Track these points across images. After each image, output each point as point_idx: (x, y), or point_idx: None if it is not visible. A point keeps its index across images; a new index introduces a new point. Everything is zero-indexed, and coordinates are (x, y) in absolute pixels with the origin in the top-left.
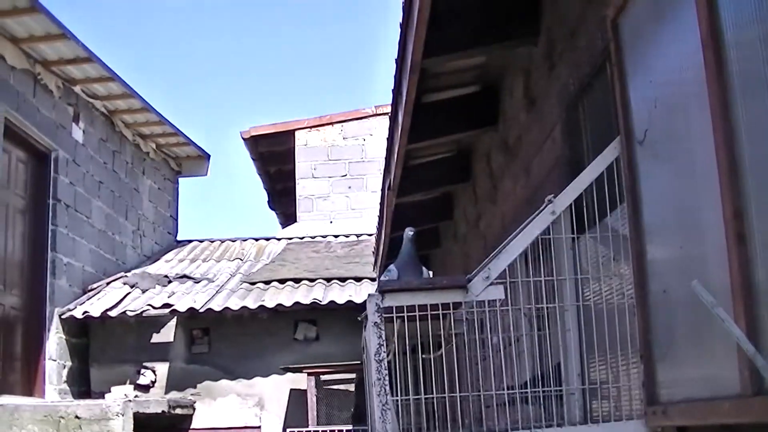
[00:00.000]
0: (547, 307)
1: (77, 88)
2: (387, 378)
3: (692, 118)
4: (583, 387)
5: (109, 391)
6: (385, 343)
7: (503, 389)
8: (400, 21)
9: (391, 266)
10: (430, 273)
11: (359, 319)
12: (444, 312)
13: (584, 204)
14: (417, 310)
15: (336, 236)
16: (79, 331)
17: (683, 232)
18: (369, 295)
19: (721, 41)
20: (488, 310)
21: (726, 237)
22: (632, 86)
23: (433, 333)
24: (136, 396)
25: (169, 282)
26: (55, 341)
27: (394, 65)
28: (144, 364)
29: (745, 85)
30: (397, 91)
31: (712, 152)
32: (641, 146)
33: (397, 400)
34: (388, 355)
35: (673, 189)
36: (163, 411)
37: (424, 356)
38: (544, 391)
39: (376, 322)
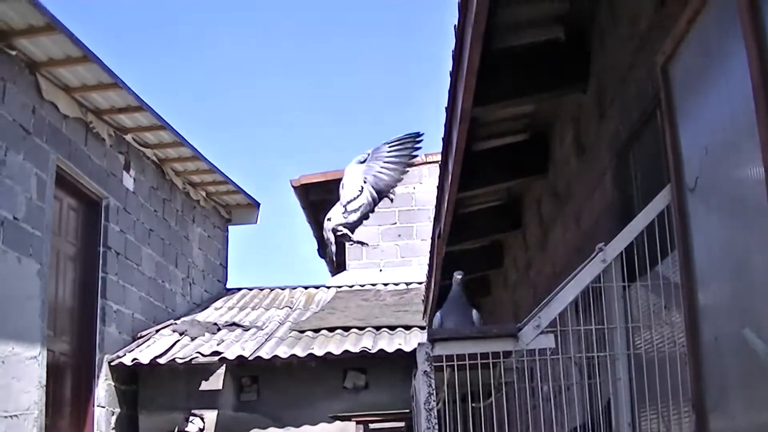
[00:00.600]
0: (598, 356)
1: (128, 137)
2: (437, 427)
3: (743, 165)
4: None
5: None
6: (435, 391)
7: None
8: (450, 70)
9: (438, 313)
10: (475, 314)
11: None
12: (494, 361)
13: (635, 252)
14: (467, 359)
15: (385, 284)
16: (128, 378)
17: (735, 279)
18: (419, 344)
19: None
20: (539, 359)
21: None
22: (683, 133)
23: (483, 381)
24: None
25: (219, 330)
26: (104, 388)
27: (444, 114)
28: (193, 411)
29: None
30: (447, 140)
31: (764, 199)
32: (692, 193)
33: None
34: (438, 404)
35: (724, 236)
36: None
37: (474, 405)
38: None
39: (426, 371)
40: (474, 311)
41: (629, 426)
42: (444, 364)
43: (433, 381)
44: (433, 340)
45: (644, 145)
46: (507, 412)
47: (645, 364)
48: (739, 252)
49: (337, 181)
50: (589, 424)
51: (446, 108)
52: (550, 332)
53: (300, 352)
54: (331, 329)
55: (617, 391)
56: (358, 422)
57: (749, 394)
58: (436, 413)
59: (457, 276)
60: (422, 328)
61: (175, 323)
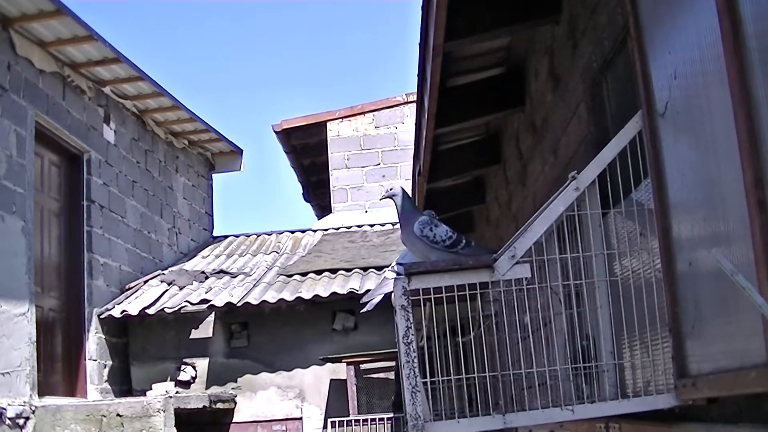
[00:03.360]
0: (576, 285)
1: (107, 89)
2: (416, 360)
3: (711, 89)
4: (615, 363)
5: (150, 389)
6: (412, 325)
7: (534, 369)
8: (422, 4)
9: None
10: (418, 224)
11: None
12: (472, 293)
13: (608, 179)
14: (444, 291)
15: (371, 225)
16: (119, 330)
17: (706, 203)
18: (395, 278)
19: (737, 15)
20: (515, 289)
21: (747, 205)
22: (652, 60)
23: (463, 315)
24: (177, 392)
25: (206, 278)
26: (94, 341)
27: (418, 49)
28: (184, 360)
29: (762, 58)
30: (421, 76)
31: (732, 122)
32: (663, 119)
33: (426, 383)
34: (420, 340)
35: (695, 160)
36: (204, 406)
37: (456, 339)
38: (575, 368)
39: (403, 305)
40: (420, 218)
41: (611, 353)
42: (421, 297)
43: (410, 315)
44: (409, 273)
45: (617, 74)
46: (492, 345)
47: (624, 292)
48: (710, 175)
49: (318, 125)
50: (571, 354)
51: (419, 44)
52: (525, 262)
53: (288, 296)
54: (319, 272)
55: (598, 319)
56: (348, 363)
57: (723, 316)
58: (415, 347)
59: (385, 195)
60: None
61: (163, 273)
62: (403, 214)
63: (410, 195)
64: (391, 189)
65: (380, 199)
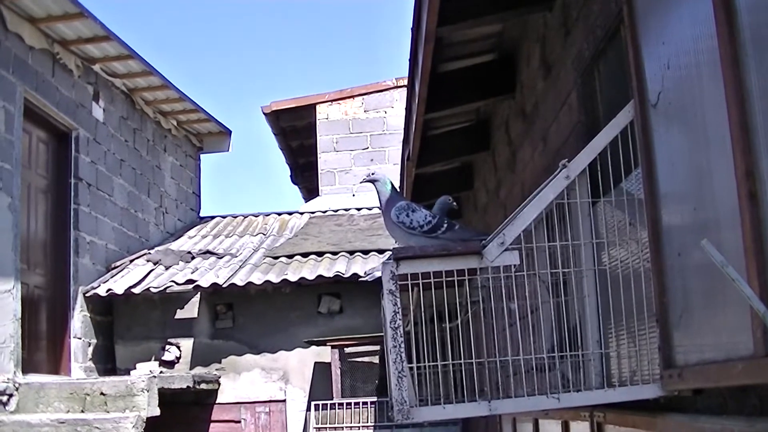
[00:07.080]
0: (564, 273)
1: (96, 67)
2: (403, 345)
3: (704, 80)
4: (601, 352)
5: (135, 368)
6: (400, 310)
7: (521, 357)
8: None
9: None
10: (394, 211)
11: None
12: (460, 279)
13: (599, 168)
14: (432, 277)
15: (359, 209)
16: (104, 308)
17: (697, 194)
18: (383, 263)
19: (733, 6)
20: (503, 276)
21: (738, 197)
22: (645, 49)
23: (452, 300)
24: (161, 372)
25: (192, 258)
26: (79, 319)
27: (410, 34)
28: (168, 340)
29: (756, 49)
30: (413, 61)
31: (725, 113)
32: (655, 109)
33: (411, 368)
34: (407, 325)
35: (686, 151)
36: (188, 386)
37: (443, 325)
38: (561, 356)
39: (391, 290)
40: (397, 204)
41: (597, 342)
42: (409, 282)
43: (398, 300)
44: (397, 258)
45: (609, 63)
46: (478, 332)
47: (612, 281)
48: (701, 166)
49: (307, 108)
50: (557, 342)
51: (412, 28)
52: (514, 249)
53: (274, 278)
54: (305, 255)
55: (585, 308)
56: (333, 347)
57: (711, 308)
58: (402, 332)
59: (366, 179)
60: None
61: (149, 253)
62: (386, 200)
63: (393, 181)
64: (372, 174)
65: (360, 183)
